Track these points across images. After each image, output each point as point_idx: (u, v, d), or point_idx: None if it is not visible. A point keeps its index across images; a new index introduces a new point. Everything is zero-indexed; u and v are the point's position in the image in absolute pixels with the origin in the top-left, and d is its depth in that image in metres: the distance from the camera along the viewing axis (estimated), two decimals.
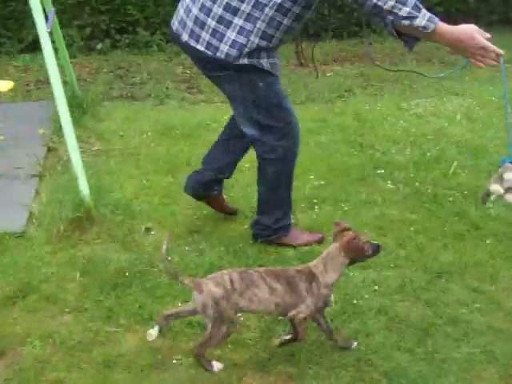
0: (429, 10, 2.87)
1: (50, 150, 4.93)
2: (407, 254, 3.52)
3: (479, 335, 2.89)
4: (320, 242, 3.61)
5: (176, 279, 2.63)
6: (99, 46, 8.28)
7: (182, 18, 3.29)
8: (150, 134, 5.30)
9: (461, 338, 2.87)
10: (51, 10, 4.76)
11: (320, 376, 2.64)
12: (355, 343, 2.77)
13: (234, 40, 3.13)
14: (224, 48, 3.14)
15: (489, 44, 2.79)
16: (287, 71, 7.59)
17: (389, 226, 3.81)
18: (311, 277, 2.66)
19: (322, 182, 4.36)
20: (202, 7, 3.17)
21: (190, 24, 3.23)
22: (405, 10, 2.78)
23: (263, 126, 3.35)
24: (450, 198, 4.13)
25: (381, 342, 2.82)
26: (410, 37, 2.92)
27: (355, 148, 4.99)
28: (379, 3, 2.82)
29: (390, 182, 4.40)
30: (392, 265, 3.41)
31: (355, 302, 3.09)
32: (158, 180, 4.44)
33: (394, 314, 3.01)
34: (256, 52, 3.17)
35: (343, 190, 4.19)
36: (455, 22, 2.91)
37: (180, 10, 3.34)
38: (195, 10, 3.20)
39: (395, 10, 2.79)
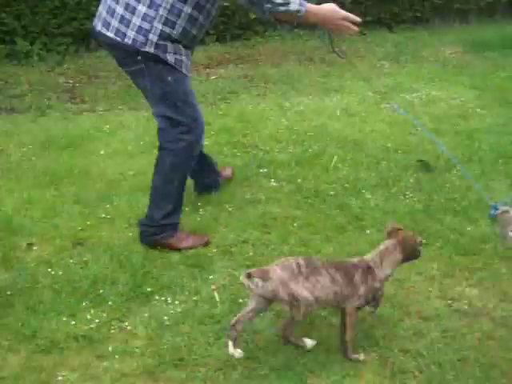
0: None
1: None
2: (290, 248, 3.60)
3: (360, 322, 2.98)
4: (206, 244, 3.63)
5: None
6: None
7: (100, 12, 3.45)
8: (30, 147, 5.16)
9: None
10: None
11: (209, 377, 2.67)
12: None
13: (139, 26, 3.27)
14: (131, 34, 3.29)
15: (349, 14, 3.23)
16: None
17: (273, 223, 3.88)
18: (368, 270, 2.76)
19: None
20: None
21: (103, 14, 3.39)
22: None
23: (171, 119, 3.48)
24: (332, 192, 4.26)
25: (270, 339, 2.87)
26: (286, 22, 3.16)
27: (238, 149, 5.05)
28: None
29: (273, 180, 4.48)
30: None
31: (241, 300, 3.12)
32: (39, 194, 4.32)
33: (279, 310, 3.05)
34: (162, 44, 3.32)
35: (227, 191, 4.23)
36: None
37: (100, 6, 3.47)
38: (109, 1, 3.37)
39: None
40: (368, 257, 2.84)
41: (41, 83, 7.29)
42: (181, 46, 3.40)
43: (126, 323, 3.01)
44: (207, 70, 8.14)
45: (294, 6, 3.10)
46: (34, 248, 3.67)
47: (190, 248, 3.59)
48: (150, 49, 3.30)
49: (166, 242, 3.59)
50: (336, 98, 6.46)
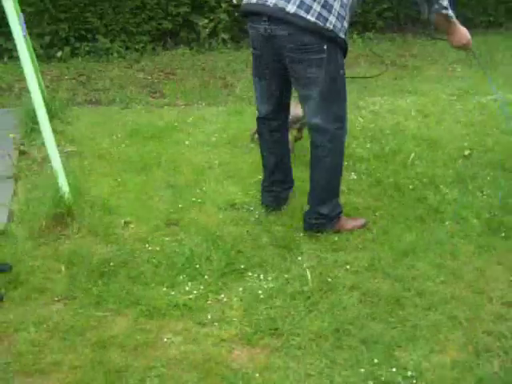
0: None
1: (21, 153, 5.03)
2: (374, 236, 3.76)
3: (444, 304, 3.14)
4: (364, 226, 3.84)
5: None
6: (59, 54, 8.36)
7: None
8: (119, 135, 5.45)
9: (428, 307, 3.12)
10: (20, 15, 4.88)
11: (302, 346, 2.85)
12: None
13: (338, 12, 3.32)
14: (332, 19, 3.30)
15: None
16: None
17: (355, 212, 4.04)
18: None
19: None
20: None
21: None
22: (445, 1, 3.51)
23: (331, 113, 3.53)
24: (410, 186, 4.39)
25: (356, 314, 3.05)
26: (436, 29, 3.75)
27: None
28: None
29: (353, 173, 4.64)
30: (361, 246, 3.66)
31: (329, 280, 3.31)
32: (131, 178, 4.58)
33: (366, 289, 3.24)
34: (344, 31, 3.39)
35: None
36: None
37: None
38: None
39: (440, 1, 3.50)
40: None
41: (121, 78, 7.64)
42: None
43: (222, 295, 3.22)
44: None
45: (451, 12, 3.57)
46: (131, 226, 3.92)
47: (351, 230, 3.79)
48: (342, 35, 3.35)
49: (337, 226, 3.79)
50: (410, 99, 6.58)
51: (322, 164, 3.68)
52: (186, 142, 5.29)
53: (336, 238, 3.72)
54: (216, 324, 3.01)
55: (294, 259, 3.51)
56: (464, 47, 3.85)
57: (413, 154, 4.89)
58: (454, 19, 3.64)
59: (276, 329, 2.96)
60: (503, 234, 3.80)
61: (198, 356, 2.79)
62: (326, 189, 3.76)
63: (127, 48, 8.74)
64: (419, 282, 3.32)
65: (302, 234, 3.77)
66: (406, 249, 3.61)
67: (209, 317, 3.05)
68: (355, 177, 4.58)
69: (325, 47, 3.32)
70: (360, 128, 5.60)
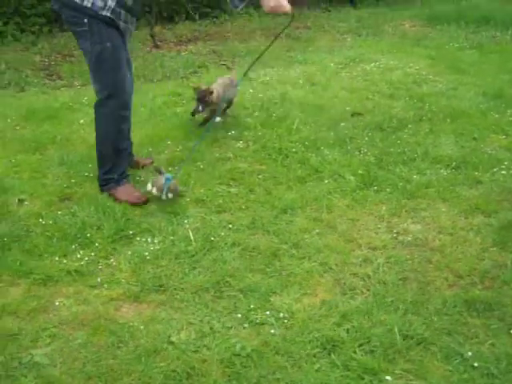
0: None
1: None
2: (256, 197, 4.04)
3: (318, 253, 3.44)
4: (142, 203, 4.00)
5: None
6: None
7: None
8: (14, 118, 5.51)
9: (303, 257, 3.41)
10: None
11: (185, 299, 3.09)
12: None
13: None
14: None
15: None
16: (143, 53, 7.95)
17: (240, 176, 4.30)
18: None
19: (180, 147, 4.77)
20: None
21: None
22: None
23: (100, 82, 3.90)
24: (294, 149, 4.69)
25: (236, 267, 3.31)
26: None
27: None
28: None
29: (241, 141, 4.89)
30: (244, 207, 3.92)
31: (212, 238, 3.56)
32: (26, 158, 4.68)
33: (246, 244, 3.50)
34: (117, 11, 3.72)
35: (198, 152, 4.62)
36: None
37: None
38: None
39: None
40: None
41: (17, 61, 7.61)
42: (129, 15, 3.82)
43: (112, 260, 3.42)
44: (178, 47, 8.51)
45: None
46: (25, 203, 4.03)
47: (126, 201, 3.97)
48: (106, 13, 3.69)
49: (110, 192, 4.06)
50: (299, 69, 6.88)
51: (96, 129, 4.04)
52: (81, 121, 5.40)
53: (221, 201, 3.97)
54: (106, 285, 3.21)
55: (180, 222, 3.74)
56: (274, 10, 3.63)
57: (297, 120, 5.19)
58: None
59: (161, 285, 3.18)
60: (375, 188, 4.14)
61: (88, 315, 2.99)
62: (100, 154, 4.08)
63: (22, 31, 8.67)
64: (296, 235, 3.61)
65: (188, 199, 3.99)
66: (285, 207, 3.89)
67: (99, 280, 3.24)
68: (242, 144, 4.83)
69: (85, 21, 3.68)
70: (250, 98, 5.85)
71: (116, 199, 3.99)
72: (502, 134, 5.06)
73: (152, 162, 4.53)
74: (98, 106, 3.95)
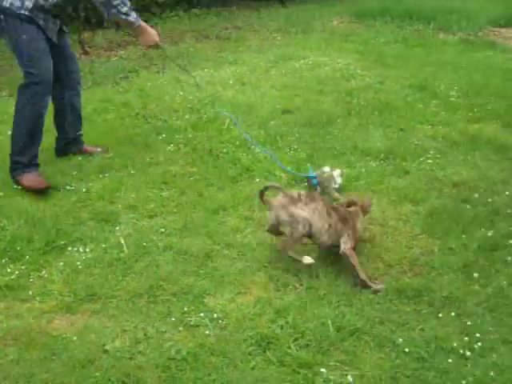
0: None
1: None
2: (188, 199, 4.04)
3: (251, 251, 3.46)
4: (45, 188, 4.18)
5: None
6: None
7: None
8: None
9: (236, 257, 3.43)
10: None
11: (119, 306, 3.07)
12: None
13: None
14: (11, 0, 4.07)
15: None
16: None
17: (171, 180, 4.30)
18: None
19: (111, 154, 4.73)
20: None
21: None
22: (125, 9, 4.15)
23: (25, 69, 4.18)
24: (225, 150, 4.70)
25: (169, 271, 3.30)
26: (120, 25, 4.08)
27: (139, 120, 5.44)
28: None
29: (172, 144, 4.88)
30: (175, 210, 3.92)
31: (145, 244, 3.54)
32: None
33: (179, 248, 3.50)
34: (34, 11, 4.07)
35: (129, 157, 4.60)
36: None
37: None
38: None
39: (119, 7, 4.12)
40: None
41: None
42: (49, 15, 4.15)
43: (44, 272, 3.37)
44: (108, 53, 8.43)
45: (132, 19, 4.24)
46: None
47: (30, 187, 4.17)
48: (24, 12, 4.05)
49: (16, 178, 4.24)
50: (230, 69, 6.91)
51: (15, 110, 4.28)
52: (9, 133, 5.27)
53: (152, 205, 3.96)
54: (37, 298, 3.15)
55: (112, 230, 3.71)
56: (153, 46, 4.52)
57: (228, 120, 5.20)
58: (139, 24, 4.33)
59: (94, 294, 3.15)
60: (306, 184, 4.18)
61: (20, 330, 2.92)
62: (14, 135, 4.30)
63: None
64: (228, 235, 3.63)
65: (120, 206, 3.97)
66: (217, 207, 3.90)
67: (30, 293, 3.19)
68: (173, 147, 4.82)
69: (1, 17, 4.09)
70: (180, 101, 5.85)
71: (20, 185, 4.21)
72: (428, 124, 5.20)
73: (102, 151, 4.77)
74: (21, 88, 4.21)
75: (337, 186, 4.03)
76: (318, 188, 4.04)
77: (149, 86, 6.48)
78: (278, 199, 3.32)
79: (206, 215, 3.83)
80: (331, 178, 4.03)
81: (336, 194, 3.99)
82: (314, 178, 4.06)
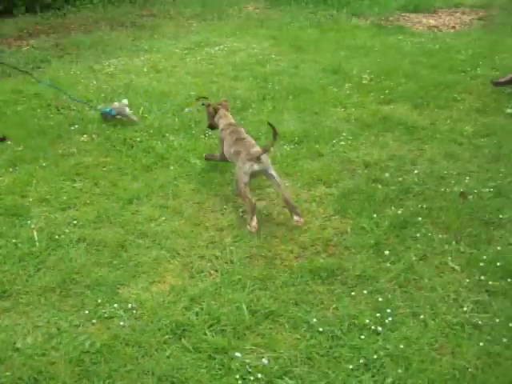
0: None
1: None
2: (101, 190, 3.98)
3: (165, 240, 3.45)
4: None
5: None
6: None
7: None
8: None
9: (150, 245, 3.41)
10: None
11: (31, 302, 3.00)
12: None
13: None
14: None
15: None
16: None
17: (84, 171, 4.23)
18: None
19: (21, 147, 4.61)
20: None
21: None
22: None
23: None
24: (138, 139, 4.65)
25: (82, 264, 3.25)
26: None
27: (51, 111, 5.31)
28: None
29: (85, 135, 4.79)
30: (89, 201, 3.86)
31: (57, 237, 3.47)
32: None
33: (92, 239, 3.45)
34: None
35: (40, 149, 4.50)
36: None
37: None
38: None
39: None
40: None
41: None
42: None
43: None
44: (18, 42, 8.17)
45: None
46: None
47: None
48: None
49: None
50: (144, 57, 6.83)
51: None
52: None
53: (65, 198, 3.89)
54: None
55: (23, 224, 3.63)
56: None
57: (142, 109, 5.15)
58: None
59: (5, 291, 3.07)
60: (221, 170, 4.19)
61: None
62: None
63: None
64: (143, 224, 3.60)
65: (31, 199, 3.87)
66: (131, 197, 3.87)
67: None
68: (86, 138, 4.74)
69: None
70: (94, 90, 5.74)
71: None
72: (341, 106, 5.28)
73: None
74: None
75: (131, 111, 4.89)
76: (119, 116, 4.89)
77: (61, 76, 6.33)
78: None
79: (119, 205, 3.79)
80: (124, 105, 4.87)
81: (133, 117, 4.87)
82: (111, 110, 4.84)
